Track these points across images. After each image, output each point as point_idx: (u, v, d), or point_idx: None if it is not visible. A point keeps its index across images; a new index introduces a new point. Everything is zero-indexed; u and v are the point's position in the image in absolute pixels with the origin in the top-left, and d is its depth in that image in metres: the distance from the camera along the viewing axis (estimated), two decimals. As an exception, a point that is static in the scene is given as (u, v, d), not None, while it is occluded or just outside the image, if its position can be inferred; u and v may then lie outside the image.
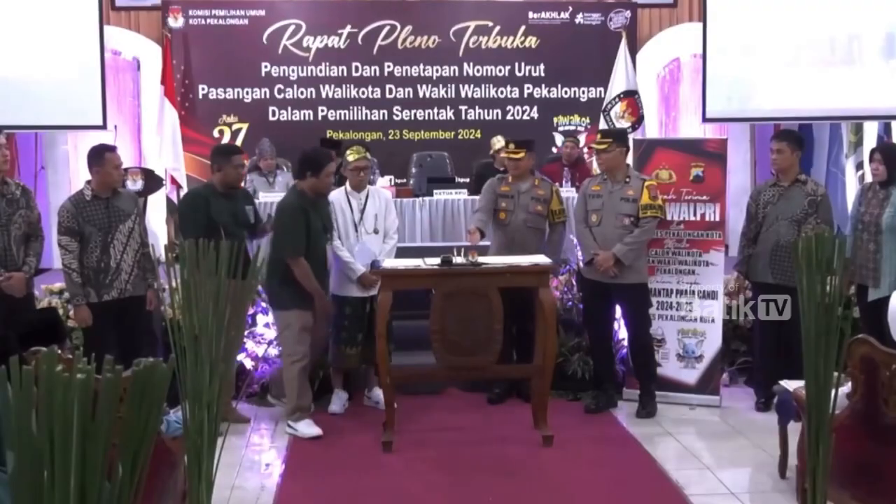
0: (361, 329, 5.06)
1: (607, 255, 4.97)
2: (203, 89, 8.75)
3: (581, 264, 5.34)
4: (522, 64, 9.04)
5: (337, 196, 5.18)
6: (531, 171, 5.39)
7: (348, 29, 8.85)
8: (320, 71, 8.87)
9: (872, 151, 5.14)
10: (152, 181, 7.37)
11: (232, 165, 4.89)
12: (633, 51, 8.81)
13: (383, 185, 6.98)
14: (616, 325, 5.40)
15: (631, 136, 6.34)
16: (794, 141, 5.15)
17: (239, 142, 8.58)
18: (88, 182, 4.67)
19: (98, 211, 4.59)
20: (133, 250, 4.66)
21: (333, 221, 5.04)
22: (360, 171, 5.12)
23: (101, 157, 4.62)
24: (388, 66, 8.91)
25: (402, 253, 5.21)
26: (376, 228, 5.12)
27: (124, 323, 4.67)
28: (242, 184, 5.31)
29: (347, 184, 5.20)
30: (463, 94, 9.01)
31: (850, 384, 3.21)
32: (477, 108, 9.04)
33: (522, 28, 9.00)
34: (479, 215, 5.31)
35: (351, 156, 5.18)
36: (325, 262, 4.93)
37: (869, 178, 5.98)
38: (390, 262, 4.72)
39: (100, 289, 4.59)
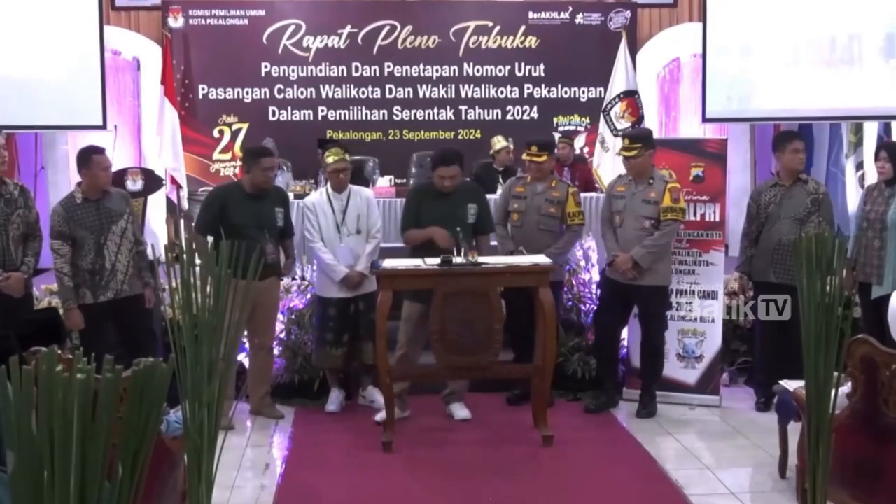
0: (347, 330, 5.07)
1: (626, 257, 4.96)
2: (203, 89, 8.73)
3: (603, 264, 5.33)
4: (522, 64, 9.02)
5: (318, 198, 5.19)
6: (551, 172, 5.38)
7: (348, 29, 8.83)
8: (320, 71, 8.85)
9: (878, 149, 5.16)
10: (152, 181, 7.35)
11: (260, 168, 4.90)
12: (633, 51, 8.79)
13: (383, 185, 6.97)
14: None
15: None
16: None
17: (239, 142, 8.58)
18: (79, 184, 4.66)
19: (89, 213, 4.57)
20: (127, 250, 4.65)
21: (316, 224, 5.07)
22: (339, 173, 5.10)
23: (88, 159, 4.60)
24: (388, 66, 8.89)
25: (401, 253, 5.19)
26: (359, 229, 5.11)
27: (124, 322, 4.66)
28: None
29: (329, 185, 5.20)
30: (463, 94, 8.98)
31: (850, 384, 3.21)
32: (477, 108, 9.02)
33: (522, 28, 8.98)
34: (499, 230, 5.32)
35: (329, 158, 5.12)
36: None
37: (869, 179, 5.99)
38: (390, 262, 4.72)
39: (96, 290, 4.59)
